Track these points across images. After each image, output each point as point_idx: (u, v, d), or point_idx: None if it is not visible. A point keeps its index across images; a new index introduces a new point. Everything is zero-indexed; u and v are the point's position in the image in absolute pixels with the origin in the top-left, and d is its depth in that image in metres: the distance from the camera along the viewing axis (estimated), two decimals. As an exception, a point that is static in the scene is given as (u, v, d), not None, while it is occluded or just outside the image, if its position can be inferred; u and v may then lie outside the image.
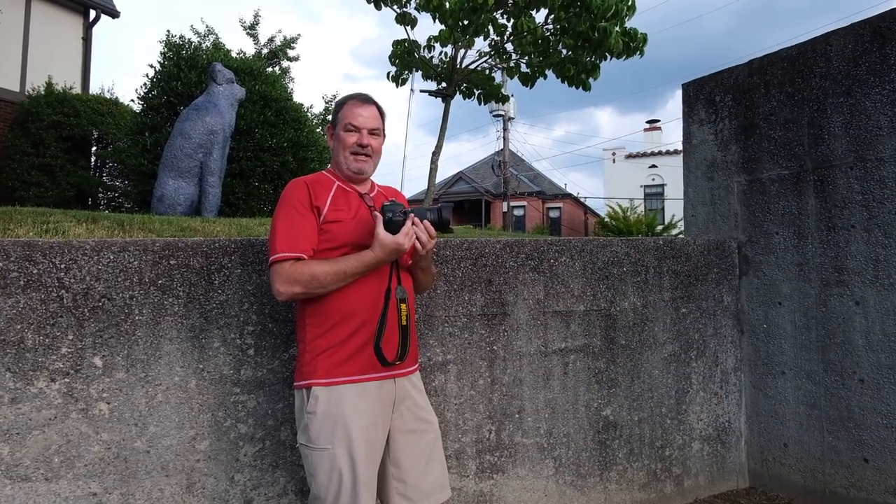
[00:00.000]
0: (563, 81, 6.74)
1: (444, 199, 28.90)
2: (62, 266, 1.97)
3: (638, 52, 6.31)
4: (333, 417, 1.75)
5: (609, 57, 6.40)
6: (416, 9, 6.30)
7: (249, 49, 15.13)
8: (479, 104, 7.80)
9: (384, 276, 1.86)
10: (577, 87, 6.78)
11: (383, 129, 2.03)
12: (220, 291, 2.16)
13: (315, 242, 1.82)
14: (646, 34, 6.26)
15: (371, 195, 2.00)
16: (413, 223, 1.78)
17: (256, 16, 15.37)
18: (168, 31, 10.64)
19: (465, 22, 6.10)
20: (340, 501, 1.71)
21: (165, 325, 2.08)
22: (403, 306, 1.83)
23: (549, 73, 6.85)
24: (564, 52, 6.56)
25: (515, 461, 2.65)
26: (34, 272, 1.94)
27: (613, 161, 28.46)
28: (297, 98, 10.47)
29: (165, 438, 2.06)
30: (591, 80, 6.67)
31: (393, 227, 1.77)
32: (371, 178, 2.06)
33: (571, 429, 2.79)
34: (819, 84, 3.03)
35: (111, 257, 2.03)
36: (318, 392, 1.77)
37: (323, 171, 2.04)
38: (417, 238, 1.79)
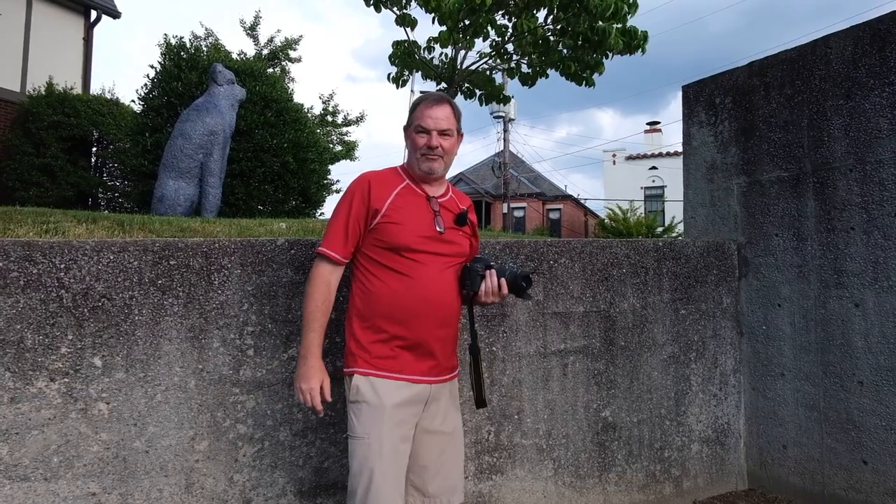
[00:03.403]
0: (566, 78, 6.74)
1: (444, 200, 28.80)
2: (62, 266, 1.98)
3: (640, 50, 6.32)
4: (370, 410, 1.80)
5: (610, 55, 6.41)
6: (415, 7, 6.30)
7: (250, 50, 15.16)
8: (480, 105, 7.81)
9: (436, 284, 1.89)
10: (580, 84, 6.78)
11: (457, 129, 2.01)
12: (219, 292, 2.17)
13: (353, 244, 1.90)
14: (646, 32, 6.26)
15: (440, 200, 1.99)
16: (488, 276, 1.94)
17: (257, 17, 15.42)
18: (166, 34, 10.64)
19: (465, 23, 6.11)
20: (370, 495, 1.74)
21: (165, 326, 2.08)
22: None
23: (550, 71, 6.85)
24: (565, 51, 6.57)
25: (514, 462, 2.65)
26: (34, 272, 1.94)
27: (614, 163, 28.46)
28: (299, 99, 10.48)
29: (164, 438, 2.06)
30: (595, 75, 6.67)
31: (472, 276, 1.94)
32: (446, 179, 2.07)
33: (570, 430, 2.79)
34: (819, 86, 3.03)
35: (111, 257, 2.04)
36: (358, 382, 1.83)
37: (396, 167, 2.05)
38: (485, 287, 1.93)
